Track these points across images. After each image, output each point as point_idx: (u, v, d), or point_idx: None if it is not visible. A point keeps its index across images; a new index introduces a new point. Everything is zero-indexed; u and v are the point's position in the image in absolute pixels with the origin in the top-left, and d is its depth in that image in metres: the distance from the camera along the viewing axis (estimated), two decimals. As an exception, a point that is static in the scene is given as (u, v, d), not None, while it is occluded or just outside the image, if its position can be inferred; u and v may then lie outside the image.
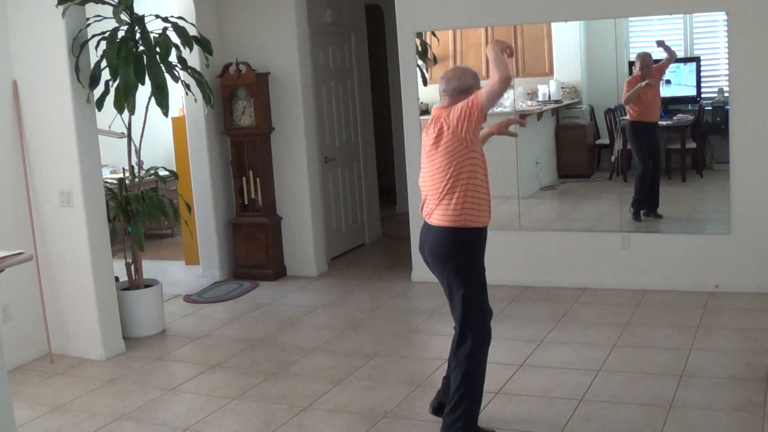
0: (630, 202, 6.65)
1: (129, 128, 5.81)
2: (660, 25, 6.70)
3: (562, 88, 7.25)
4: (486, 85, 3.63)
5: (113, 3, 5.43)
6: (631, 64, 6.74)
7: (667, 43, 6.52)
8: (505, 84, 3.56)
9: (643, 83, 6.50)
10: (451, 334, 3.92)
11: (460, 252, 3.81)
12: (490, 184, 3.88)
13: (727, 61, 5.89)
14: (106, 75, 5.41)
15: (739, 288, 5.97)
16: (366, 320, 6.04)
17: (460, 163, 3.73)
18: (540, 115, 7.20)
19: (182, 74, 5.84)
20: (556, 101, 7.23)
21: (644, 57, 6.56)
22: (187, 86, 5.93)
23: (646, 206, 6.66)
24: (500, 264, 6.56)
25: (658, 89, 6.63)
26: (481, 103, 3.61)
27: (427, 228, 3.91)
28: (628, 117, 6.72)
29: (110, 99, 5.42)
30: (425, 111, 7.69)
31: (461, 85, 3.82)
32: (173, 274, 7.54)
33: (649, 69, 6.53)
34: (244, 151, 7.25)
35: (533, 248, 6.50)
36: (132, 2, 5.51)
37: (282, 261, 7.38)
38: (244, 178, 7.24)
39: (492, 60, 3.65)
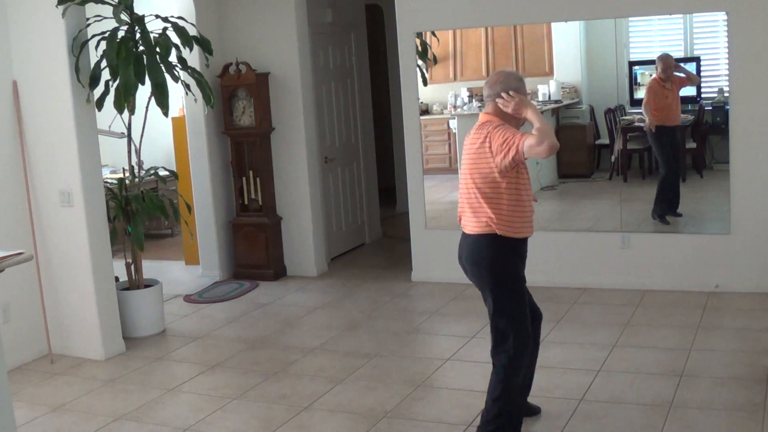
0: (652, 209, 6.59)
1: (129, 128, 5.81)
2: (660, 25, 6.70)
3: (562, 88, 7.24)
4: (533, 141, 3.53)
5: (113, 3, 5.43)
6: (632, 64, 6.73)
7: (685, 67, 6.52)
8: (550, 153, 3.53)
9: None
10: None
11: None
12: None
13: (727, 61, 5.89)
14: (106, 75, 5.41)
15: (739, 288, 5.97)
16: (366, 320, 6.04)
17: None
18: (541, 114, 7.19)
19: (182, 74, 5.84)
20: (556, 101, 7.23)
21: (666, 58, 6.49)
22: (187, 86, 5.93)
23: (668, 208, 6.63)
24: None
25: (677, 92, 6.56)
26: (522, 150, 3.55)
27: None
28: (647, 122, 6.62)
29: (110, 99, 5.42)
30: (425, 111, 7.70)
31: (504, 90, 3.75)
32: (173, 274, 7.55)
33: (671, 70, 6.51)
34: (244, 151, 7.25)
35: (533, 248, 6.41)
36: (132, 2, 5.51)
37: (282, 261, 7.38)
38: (244, 178, 7.24)
39: (539, 124, 3.60)
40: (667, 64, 6.50)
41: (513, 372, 3.75)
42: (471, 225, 3.80)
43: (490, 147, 3.65)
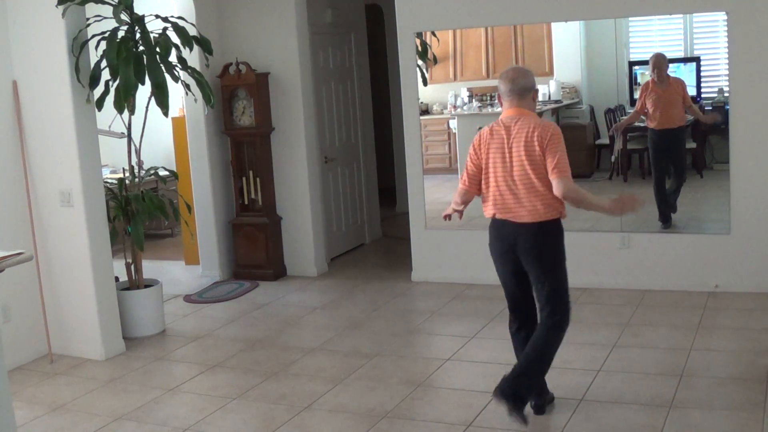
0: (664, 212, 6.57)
1: (129, 128, 5.81)
2: (660, 25, 6.70)
3: (562, 88, 7.25)
4: (574, 189, 3.86)
5: (113, 3, 5.43)
6: (632, 64, 6.74)
7: (715, 115, 6.46)
8: (574, 201, 3.90)
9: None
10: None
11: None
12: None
13: (727, 61, 5.89)
14: (106, 75, 5.41)
15: (739, 288, 5.97)
16: (366, 320, 6.04)
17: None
18: (540, 115, 7.19)
19: (182, 74, 5.84)
20: (556, 101, 7.23)
21: (654, 58, 6.47)
22: (187, 86, 5.93)
23: (662, 213, 6.62)
24: (500, 264, 6.57)
25: (673, 95, 6.47)
26: (570, 180, 3.88)
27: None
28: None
29: (110, 99, 5.42)
30: (425, 111, 7.70)
31: (528, 84, 4.00)
32: (173, 274, 7.54)
33: (661, 70, 6.47)
34: (244, 151, 7.25)
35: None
36: (132, 2, 5.51)
37: (282, 261, 7.38)
38: (244, 178, 7.24)
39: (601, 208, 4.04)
40: (656, 64, 6.47)
41: (561, 335, 4.05)
42: (527, 213, 3.95)
43: (542, 147, 3.88)
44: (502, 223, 4.05)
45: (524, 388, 3.91)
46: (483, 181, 4.10)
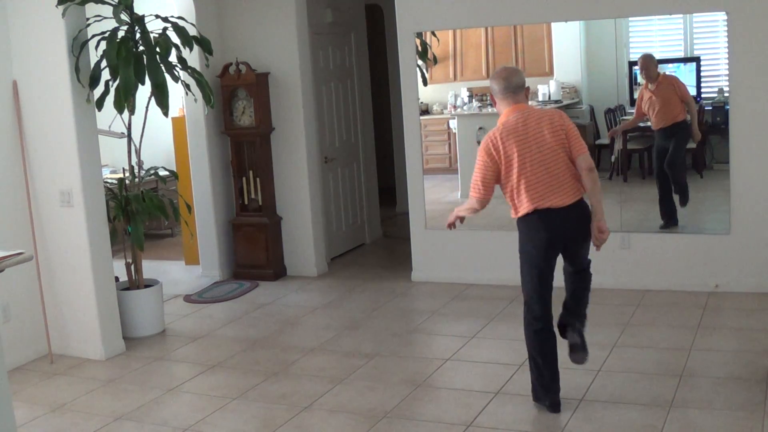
0: (674, 212, 6.54)
1: (129, 128, 5.81)
2: (660, 25, 6.70)
3: (562, 88, 7.25)
4: (592, 172, 4.19)
5: (113, 3, 5.43)
6: (632, 64, 6.73)
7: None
8: (593, 175, 4.22)
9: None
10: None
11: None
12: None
13: (727, 61, 5.89)
14: (106, 75, 5.41)
15: (739, 288, 5.97)
16: (366, 320, 6.04)
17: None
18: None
19: (182, 74, 5.84)
20: (556, 101, 7.23)
21: (640, 60, 6.46)
22: (187, 86, 5.93)
23: (666, 219, 6.59)
24: (500, 264, 6.56)
25: (663, 94, 6.42)
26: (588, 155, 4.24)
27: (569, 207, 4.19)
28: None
29: (110, 99, 5.42)
30: (425, 111, 7.70)
31: (521, 81, 4.18)
32: (173, 274, 7.54)
33: (648, 70, 6.47)
34: (244, 151, 7.25)
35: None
36: (132, 2, 5.51)
37: (282, 261, 7.38)
38: (244, 178, 7.24)
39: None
40: (642, 65, 6.45)
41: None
42: (572, 194, 4.17)
43: (564, 130, 4.14)
44: (545, 213, 4.11)
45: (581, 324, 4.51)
46: (506, 183, 4.15)
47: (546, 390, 4.24)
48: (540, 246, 4.17)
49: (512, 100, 4.13)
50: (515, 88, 4.12)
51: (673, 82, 6.45)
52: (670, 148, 6.55)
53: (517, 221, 4.23)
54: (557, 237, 4.17)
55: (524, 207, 4.12)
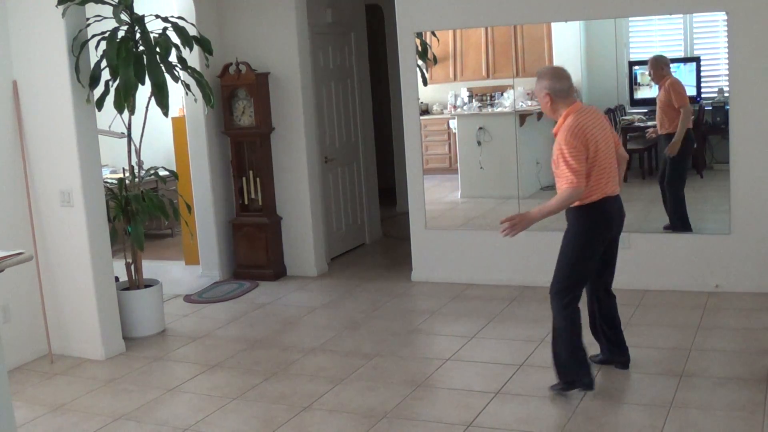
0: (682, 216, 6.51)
1: (129, 128, 5.81)
2: (660, 25, 6.69)
3: (563, 88, 7.23)
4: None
5: (113, 3, 5.43)
6: (632, 64, 6.73)
7: None
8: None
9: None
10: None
11: None
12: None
13: (727, 61, 5.89)
14: (106, 75, 5.41)
15: (739, 288, 5.97)
16: (366, 320, 6.04)
17: None
18: (540, 115, 7.17)
19: (182, 74, 5.84)
20: (556, 101, 7.21)
21: (650, 60, 6.42)
22: (187, 86, 5.93)
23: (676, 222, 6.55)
24: (500, 264, 6.57)
25: (662, 97, 6.35)
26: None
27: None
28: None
29: (110, 99, 5.42)
30: (425, 111, 7.69)
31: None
32: (173, 274, 7.55)
33: (651, 73, 6.43)
34: (244, 151, 7.25)
35: (533, 248, 6.49)
36: (132, 2, 5.51)
37: (282, 261, 7.38)
38: (244, 178, 7.24)
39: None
40: (649, 66, 6.42)
41: None
42: (618, 184, 4.47)
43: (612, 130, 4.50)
44: (614, 199, 4.42)
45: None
46: (590, 169, 4.29)
47: (588, 366, 4.44)
48: (606, 232, 4.42)
49: (572, 98, 4.39)
50: (572, 85, 4.42)
51: (671, 88, 6.32)
52: (667, 162, 6.51)
53: (573, 211, 4.38)
54: (616, 223, 4.47)
55: (601, 190, 4.32)
